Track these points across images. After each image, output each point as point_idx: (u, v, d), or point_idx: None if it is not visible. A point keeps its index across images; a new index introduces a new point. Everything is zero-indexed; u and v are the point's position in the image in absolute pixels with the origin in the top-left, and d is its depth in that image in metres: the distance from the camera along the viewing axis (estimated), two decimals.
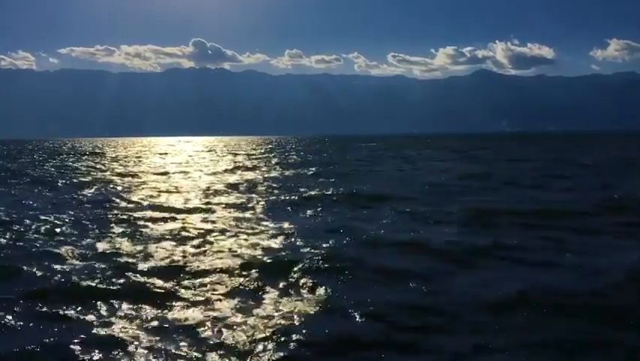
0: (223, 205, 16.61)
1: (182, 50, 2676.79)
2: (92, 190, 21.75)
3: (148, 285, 7.96)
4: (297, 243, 10.88)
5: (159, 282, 8.06)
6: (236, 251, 10.15)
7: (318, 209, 15.64)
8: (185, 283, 8.09)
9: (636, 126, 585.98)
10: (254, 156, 54.45)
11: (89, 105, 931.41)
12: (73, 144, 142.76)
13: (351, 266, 8.80)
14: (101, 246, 10.67)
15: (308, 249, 10.21)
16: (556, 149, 63.94)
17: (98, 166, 40.33)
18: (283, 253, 9.89)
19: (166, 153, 69.57)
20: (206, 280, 8.24)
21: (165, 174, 31.63)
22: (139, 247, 10.49)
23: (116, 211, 15.43)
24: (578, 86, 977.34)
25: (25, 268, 8.86)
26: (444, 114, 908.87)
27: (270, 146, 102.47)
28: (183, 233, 11.92)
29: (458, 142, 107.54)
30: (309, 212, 15.17)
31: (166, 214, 14.73)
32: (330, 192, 19.01)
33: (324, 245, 10.49)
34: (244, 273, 8.56)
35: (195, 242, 10.96)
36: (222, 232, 12.11)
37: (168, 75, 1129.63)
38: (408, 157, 49.33)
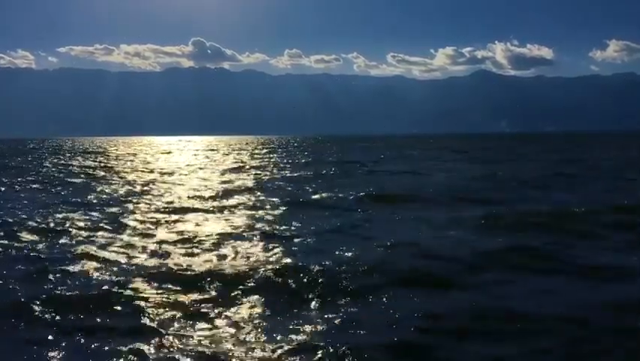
0: (242, 206, 16.28)
1: (181, 49, 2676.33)
2: (109, 191, 21.14)
3: (175, 294, 7.68)
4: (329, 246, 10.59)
5: (186, 290, 7.79)
6: (266, 257, 9.85)
7: (340, 211, 15.31)
8: (212, 292, 7.74)
9: (635, 127, 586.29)
10: (258, 156, 54.47)
11: (88, 104, 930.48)
12: (74, 144, 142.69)
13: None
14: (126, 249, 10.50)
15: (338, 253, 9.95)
16: (570, 149, 64.00)
17: (111, 164, 40.41)
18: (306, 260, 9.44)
19: (169, 152, 69.68)
20: (240, 287, 7.87)
21: (173, 173, 31.77)
22: (159, 251, 10.28)
23: (136, 212, 15.22)
24: (578, 87, 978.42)
25: (55, 271, 8.76)
26: (443, 115, 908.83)
27: (273, 146, 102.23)
28: (203, 237, 11.52)
29: (468, 143, 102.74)
30: (332, 214, 14.84)
31: (182, 215, 14.62)
32: (350, 194, 18.38)
33: (348, 251, 10.05)
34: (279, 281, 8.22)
35: (218, 246, 10.63)
36: (243, 234, 11.82)
37: (168, 75, 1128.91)
38: (409, 156, 49.51)
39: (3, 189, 22.30)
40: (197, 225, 13.15)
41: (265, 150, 73.37)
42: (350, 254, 9.85)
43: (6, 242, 10.94)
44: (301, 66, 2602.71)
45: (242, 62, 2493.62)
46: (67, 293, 7.62)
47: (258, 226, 12.89)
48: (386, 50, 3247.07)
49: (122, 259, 9.61)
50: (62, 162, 46.05)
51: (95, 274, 8.66)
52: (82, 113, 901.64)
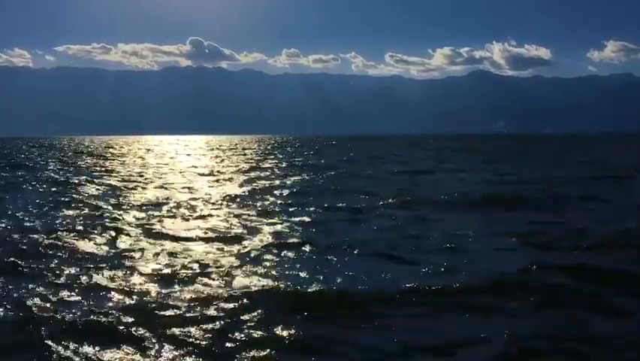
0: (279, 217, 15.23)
1: (179, 48, 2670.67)
2: (134, 197, 19.61)
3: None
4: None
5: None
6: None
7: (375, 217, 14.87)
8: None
9: (633, 127, 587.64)
10: (263, 155, 54.38)
11: (85, 103, 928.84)
12: (77, 143, 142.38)
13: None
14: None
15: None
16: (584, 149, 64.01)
17: (123, 169, 40.38)
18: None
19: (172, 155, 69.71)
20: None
21: (183, 173, 31.95)
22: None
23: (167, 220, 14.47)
24: (575, 88, 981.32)
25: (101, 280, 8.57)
26: (442, 114, 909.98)
27: (276, 145, 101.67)
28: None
29: (481, 144, 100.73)
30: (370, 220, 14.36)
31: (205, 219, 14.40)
32: (381, 200, 17.60)
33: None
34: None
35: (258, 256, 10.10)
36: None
37: (165, 74, 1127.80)
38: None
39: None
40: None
41: (270, 150, 72.37)
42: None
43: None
44: (299, 66, 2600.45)
45: (240, 62, 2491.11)
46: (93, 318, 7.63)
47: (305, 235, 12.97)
48: (384, 50, 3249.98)
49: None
50: (68, 161, 45.98)
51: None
52: (79, 112, 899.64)
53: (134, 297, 7.69)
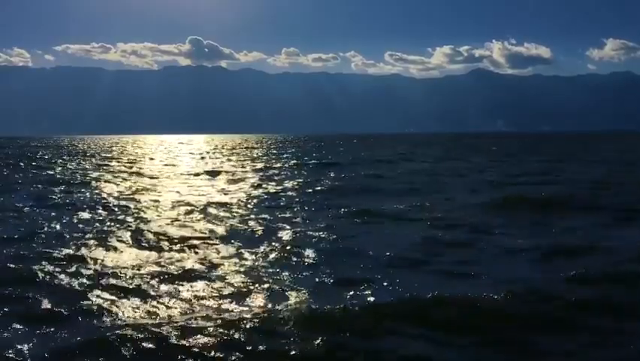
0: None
1: (178, 47, 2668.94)
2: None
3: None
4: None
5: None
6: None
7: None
8: None
9: (632, 126, 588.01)
10: (271, 154, 53.99)
11: (85, 103, 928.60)
12: (80, 143, 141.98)
13: None
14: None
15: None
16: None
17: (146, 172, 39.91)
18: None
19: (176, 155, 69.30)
20: None
21: (198, 174, 31.51)
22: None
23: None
24: (575, 86, 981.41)
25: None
26: (441, 113, 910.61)
27: (280, 144, 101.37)
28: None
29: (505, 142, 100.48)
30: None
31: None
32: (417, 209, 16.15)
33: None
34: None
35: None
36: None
37: (165, 73, 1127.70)
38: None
39: None
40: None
41: (278, 150, 71.92)
42: None
43: None
44: (299, 65, 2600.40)
45: (239, 61, 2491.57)
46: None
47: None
48: (384, 49, 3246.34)
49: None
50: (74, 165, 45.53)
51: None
52: (79, 112, 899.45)
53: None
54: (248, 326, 6.58)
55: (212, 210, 16.07)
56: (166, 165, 42.41)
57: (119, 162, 46.44)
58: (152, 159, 53.36)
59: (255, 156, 56.09)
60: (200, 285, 8.47)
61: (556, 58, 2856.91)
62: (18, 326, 6.77)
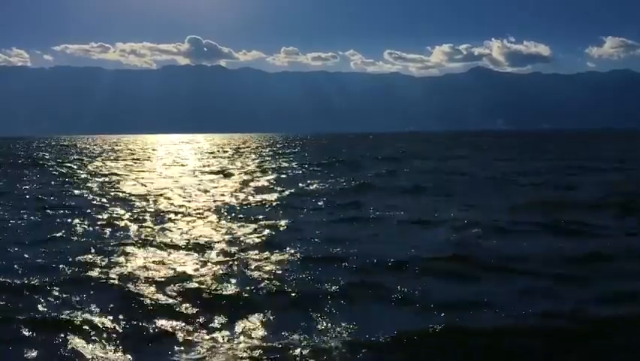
0: None
1: (177, 47, 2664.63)
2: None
3: None
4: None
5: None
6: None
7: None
8: None
9: (632, 124, 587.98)
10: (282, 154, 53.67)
11: (84, 102, 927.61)
12: (82, 143, 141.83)
13: None
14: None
15: None
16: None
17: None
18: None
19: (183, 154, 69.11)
20: None
21: (219, 173, 31.36)
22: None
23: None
24: (574, 84, 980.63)
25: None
26: (441, 112, 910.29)
27: (286, 143, 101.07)
28: None
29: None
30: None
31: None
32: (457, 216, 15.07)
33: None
34: None
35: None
36: None
37: (164, 72, 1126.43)
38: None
39: None
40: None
41: (285, 150, 71.43)
42: None
43: None
44: (298, 63, 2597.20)
45: (239, 60, 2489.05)
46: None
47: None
48: (383, 47, 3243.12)
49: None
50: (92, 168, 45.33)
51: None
52: (79, 112, 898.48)
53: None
54: None
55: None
56: (211, 168, 41.33)
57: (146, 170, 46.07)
58: (184, 164, 52.99)
59: (265, 154, 55.29)
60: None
61: (556, 56, 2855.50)
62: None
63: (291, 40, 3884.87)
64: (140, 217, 15.53)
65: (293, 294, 8.11)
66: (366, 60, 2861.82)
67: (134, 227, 13.89)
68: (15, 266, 9.80)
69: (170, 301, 7.94)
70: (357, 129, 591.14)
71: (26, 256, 10.65)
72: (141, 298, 7.98)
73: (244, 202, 18.59)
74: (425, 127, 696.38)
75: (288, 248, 11.05)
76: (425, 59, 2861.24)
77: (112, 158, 54.14)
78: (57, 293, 8.19)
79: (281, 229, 13.46)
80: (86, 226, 14.09)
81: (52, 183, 27.51)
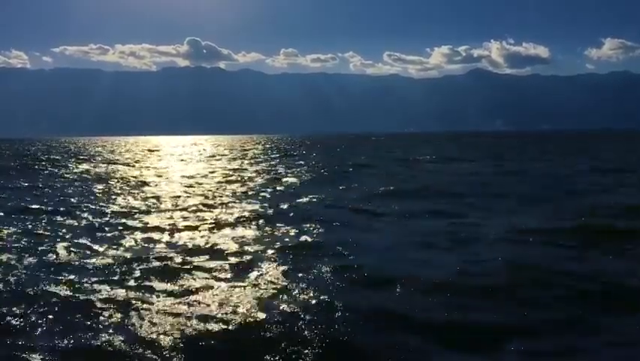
0: None
1: (176, 48, 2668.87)
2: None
3: None
4: None
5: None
6: None
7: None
8: None
9: (631, 125, 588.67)
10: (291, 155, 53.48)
11: (83, 104, 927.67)
12: (84, 143, 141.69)
13: None
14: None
15: None
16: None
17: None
18: None
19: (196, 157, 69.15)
20: None
21: (239, 175, 30.73)
22: None
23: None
24: (574, 85, 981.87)
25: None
26: (440, 113, 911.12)
27: (289, 146, 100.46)
28: None
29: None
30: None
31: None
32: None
33: None
34: None
35: None
36: None
37: (163, 74, 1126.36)
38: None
39: None
40: None
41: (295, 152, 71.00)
42: None
43: None
44: (297, 65, 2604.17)
45: (238, 62, 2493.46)
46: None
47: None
48: (382, 49, 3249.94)
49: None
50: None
51: None
52: (78, 113, 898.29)
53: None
54: None
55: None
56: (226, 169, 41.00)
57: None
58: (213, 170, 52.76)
59: (274, 156, 53.51)
60: None
61: (555, 57, 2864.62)
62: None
63: (290, 42, 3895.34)
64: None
65: None
66: (366, 62, 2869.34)
67: None
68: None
69: None
70: (356, 130, 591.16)
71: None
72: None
73: None
74: (425, 128, 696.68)
75: None
76: (424, 61, 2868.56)
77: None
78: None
79: None
80: None
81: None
